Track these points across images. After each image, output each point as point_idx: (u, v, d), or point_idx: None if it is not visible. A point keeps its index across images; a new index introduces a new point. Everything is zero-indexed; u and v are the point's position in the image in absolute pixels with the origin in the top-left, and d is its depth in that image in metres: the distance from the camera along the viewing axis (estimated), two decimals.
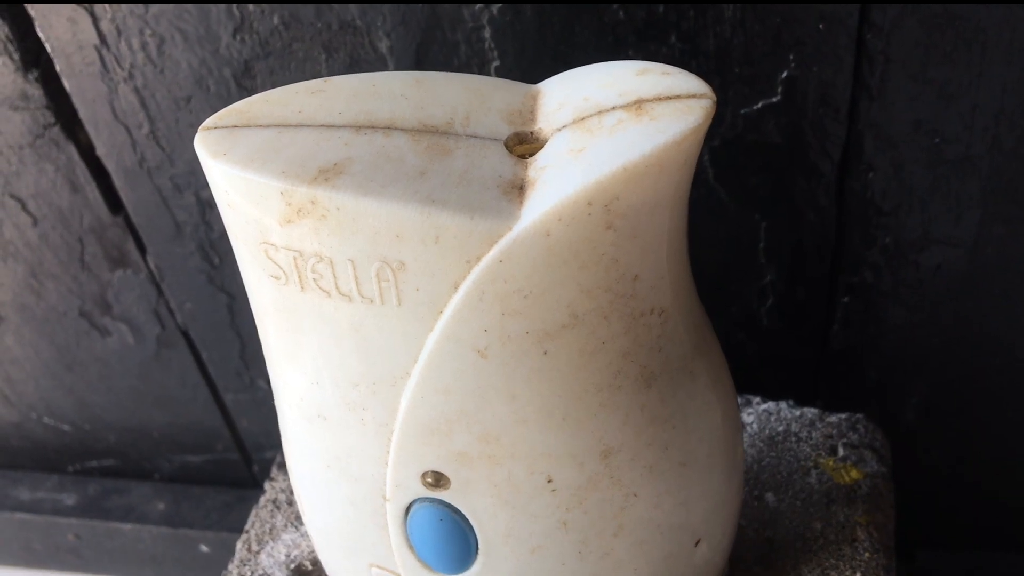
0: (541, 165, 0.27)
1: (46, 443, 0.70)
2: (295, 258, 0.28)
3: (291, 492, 0.46)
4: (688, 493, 0.33)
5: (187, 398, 0.64)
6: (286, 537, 0.44)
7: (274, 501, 0.46)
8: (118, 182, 0.52)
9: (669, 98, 0.27)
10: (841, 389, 0.53)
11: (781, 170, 0.45)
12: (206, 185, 0.50)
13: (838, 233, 0.47)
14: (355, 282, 0.27)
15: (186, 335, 0.60)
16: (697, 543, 0.34)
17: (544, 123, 0.28)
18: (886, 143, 0.43)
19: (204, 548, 0.68)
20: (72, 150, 0.51)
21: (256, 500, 0.62)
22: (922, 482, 0.55)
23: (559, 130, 0.28)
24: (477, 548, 0.32)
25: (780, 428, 0.46)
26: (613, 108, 0.27)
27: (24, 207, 0.54)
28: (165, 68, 0.46)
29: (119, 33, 0.45)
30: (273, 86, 0.41)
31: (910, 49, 0.40)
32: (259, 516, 0.46)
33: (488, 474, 0.30)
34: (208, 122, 0.29)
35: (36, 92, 0.49)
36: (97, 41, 0.46)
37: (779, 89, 0.42)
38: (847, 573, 0.40)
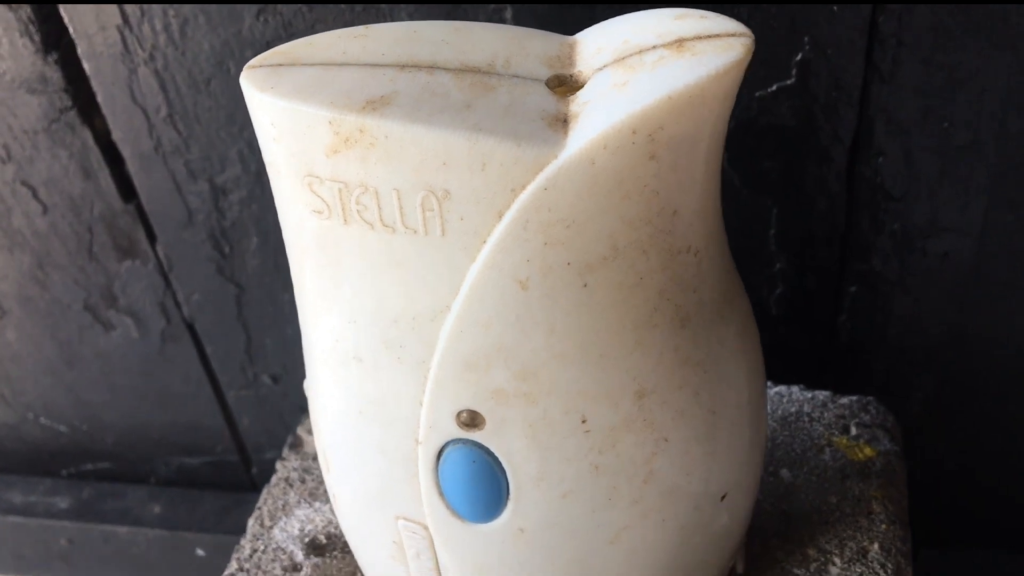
0: (583, 100, 0.28)
1: (41, 446, 0.69)
2: (340, 190, 0.28)
3: (304, 471, 0.46)
4: (716, 443, 0.33)
5: (189, 396, 0.63)
6: (300, 513, 0.44)
7: (287, 479, 0.46)
8: (132, 168, 0.52)
9: (709, 37, 0.27)
10: (848, 381, 0.53)
11: (793, 154, 0.46)
12: (221, 171, 0.51)
13: (847, 219, 0.48)
14: (399, 212, 0.28)
15: (191, 328, 0.60)
16: (723, 498, 0.35)
17: (583, 66, 0.29)
18: (896, 128, 0.44)
19: (200, 552, 0.67)
20: (87, 135, 0.51)
21: (254, 503, 0.62)
22: (927, 477, 0.55)
23: (599, 70, 0.28)
24: (508, 493, 0.32)
25: (792, 409, 0.46)
26: (654, 47, 0.28)
27: (35, 195, 0.54)
28: (187, 50, 0.47)
29: (143, 14, 0.46)
30: None
31: (922, 33, 0.41)
32: (271, 493, 0.45)
33: (523, 413, 0.30)
34: (253, 62, 0.29)
35: (55, 75, 0.49)
36: (120, 21, 0.46)
37: (793, 72, 0.43)
38: (865, 543, 0.40)
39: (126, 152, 0.52)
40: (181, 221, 0.54)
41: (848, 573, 0.39)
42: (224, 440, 0.66)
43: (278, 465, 0.47)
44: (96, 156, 0.52)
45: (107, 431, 0.67)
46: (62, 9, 0.47)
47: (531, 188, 0.27)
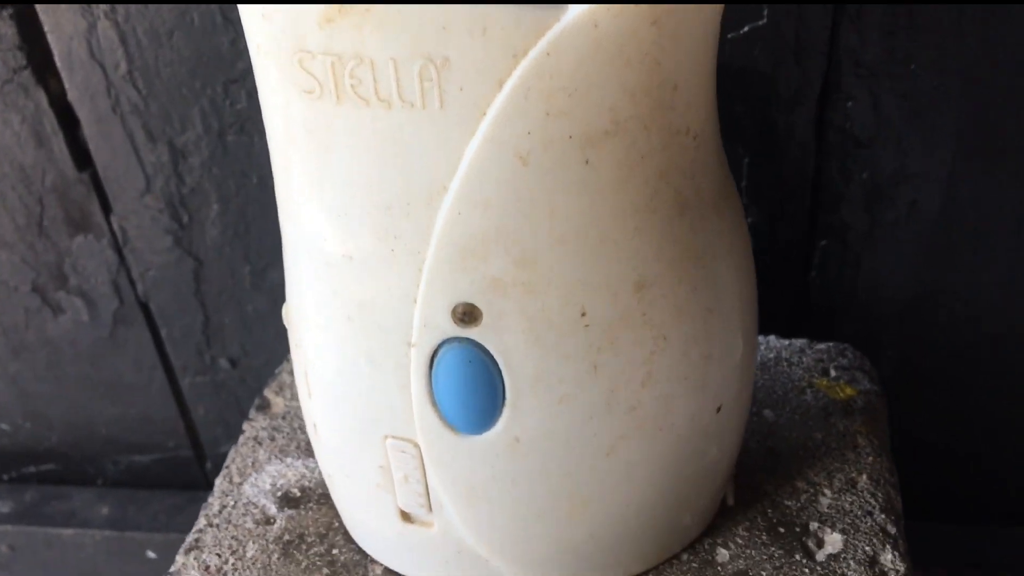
0: None
1: None
2: (332, 64, 0.27)
3: (273, 430, 0.45)
4: (712, 345, 0.32)
5: (140, 385, 0.61)
6: (271, 468, 0.42)
7: (255, 438, 0.44)
8: (88, 131, 0.51)
9: None
10: (819, 339, 0.53)
11: (765, 100, 0.46)
12: (181, 132, 0.49)
13: (817, 168, 0.48)
14: (396, 84, 0.27)
15: (146, 309, 0.57)
16: (719, 409, 0.34)
17: None
18: (865, 71, 0.45)
19: (151, 554, 0.64)
20: (41, 96, 0.50)
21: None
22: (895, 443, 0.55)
23: None
24: (503, 399, 0.31)
25: (771, 355, 0.46)
26: None
27: None
28: None
29: None
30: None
31: None
32: (239, 452, 0.43)
33: (522, 305, 0.29)
34: None
35: (9, 31, 0.48)
36: None
37: (764, 12, 0.44)
38: (853, 475, 0.40)
39: (82, 114, 0.50)
40: (138, 189, 0.52)
41: (839, 503, 0.39)
42: (177, 434, 0.63)
43: (245, 426, 0.45)
44: (50, 120, 0.50)
45: (51, 429, 0.64)
46: None
47: (533, 53, 0.26)
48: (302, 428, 0.44)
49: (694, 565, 0.37)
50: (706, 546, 0.38)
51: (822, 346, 0.46)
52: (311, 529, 0.40)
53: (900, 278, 0.51)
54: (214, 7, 0.46)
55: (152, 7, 0.46)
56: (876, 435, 0.42)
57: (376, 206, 0.29)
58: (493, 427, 0.32)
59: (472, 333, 0.30)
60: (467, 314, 0.30)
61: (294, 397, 0.46)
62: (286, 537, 0.39)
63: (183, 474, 0.66)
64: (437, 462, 0.33)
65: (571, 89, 0.27)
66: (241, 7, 0.28)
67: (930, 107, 0.45)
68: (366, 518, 0.37)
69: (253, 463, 0.43)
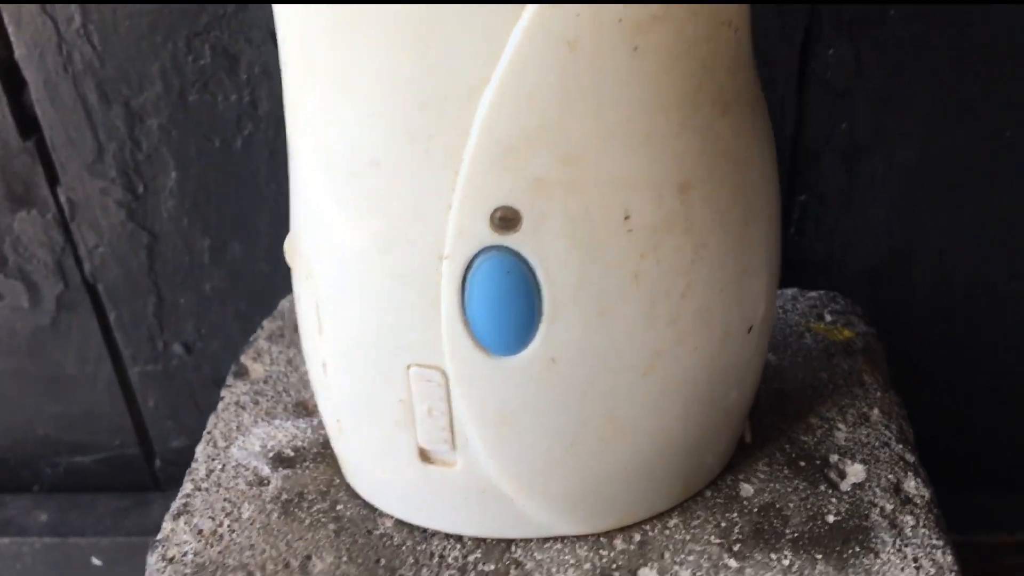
0: None
1: None
2: None
3: (256, 394, 0.42)
4: (747, 258, 0.31)
5: (85, 377, 0.57)
6: (258, 431, 0.40)
7: (237, 403, 0.41)
8: (35, 93, 0.47)
9: None
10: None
11: None
12: (138, 92, 0.47)
13: (797, 122, 0.48)
14: None
15: (92, 291, 0.54)
16: (749, 330, 0.33)
17: None
18: (845, 20, 0.45)
19: (96, 561, 0.60)
20: None
21: (157, 502, 0.57)
22: None
23: None
24: (540, 315, 0.29)
25: None
26: None
27: None
28: None
29: None
30: None
31: None
32: (221, 418, 0.41)
33: (564, 207, 0.28)
34: None
35: None
36: None
37: None
38: (864, 409, 0.39)
39: (29, 75, 0.47)
40: (89, 156, 0.49)
41: (855, 435, 0.38)
42: (123, 431, 0.60)
43: (224, 392, 0.42)
44: None
45: None
46: None
47: None
48: (287, 391, 0.42)
49: (719, 501, 0.36)
50: (728, 482, 0.37)
51: (813, 294, 0.46)
52: (310, 487, 0.37)
53: (876, 233, 0.51)
54: None
55: None
56: (879, 372, 0.41)
57: (409, 104, 0.27)
58: (528, 346, 0.30)
59: (510, 240, 0.28)
60: (506, 219, 0.28)
61: (274, 362, 0.44)
62: (284, 496, 0.37)
63: (130, 474, 0.62)
64: (466, 389, 0.31)
65: None
66: None
67: (908, 60, 0.45)
68: (378, 465, 0.34)
69: (238, 427, 0.40)
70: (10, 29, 0.46)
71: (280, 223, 0.51)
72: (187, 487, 0.38)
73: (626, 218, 0.29)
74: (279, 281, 0.53)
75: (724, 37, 0.28)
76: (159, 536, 0.36)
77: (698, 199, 0.29)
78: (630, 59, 0.27)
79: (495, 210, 0.28)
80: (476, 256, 0.29)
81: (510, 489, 0.33)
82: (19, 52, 0.46)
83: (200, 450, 0.39)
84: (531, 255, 0.29)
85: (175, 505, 0.37)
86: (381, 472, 0.35)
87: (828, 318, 0.44)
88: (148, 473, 0.62)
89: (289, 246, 0.34)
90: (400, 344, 0.31)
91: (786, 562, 0.33)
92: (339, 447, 0.36)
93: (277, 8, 0.29)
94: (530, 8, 0.26)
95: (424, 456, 0.33)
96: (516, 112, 0.27)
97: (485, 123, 0.27)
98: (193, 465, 0.39)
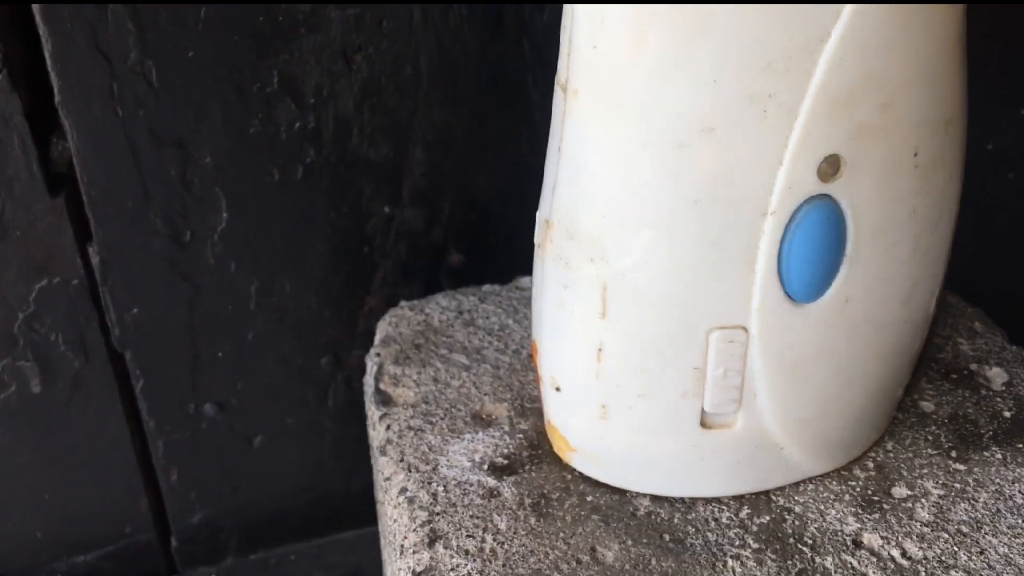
0: None
1: None
2: None
3: (424, 415, 0.40)
4: (953, 202, 0.35)
5: (96, 459, 0.52)
6: (455, 448, 0.38)
7: (410, 427, 0.40)
8: (76, 141, 0.43)
9: None
10: None
11: None
12: (194, 129, 0.44)
13: None
14: None
15: (119, 361, 0.49)
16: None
17: None
18: None
19: None
20: (15, 105, 0.42)
21: None
22: None
23: None
24: (844, 255, 0.32)
25: None
26: None
27: None
28: None
29: None
30: None
31: None
32: (398, 445, 0.39)
33: (877, 151, 0.30)
34: None
35: None
36: None
37: None
38: (968, 324, 0.44)
39: (71, 121, 0.42)
40: (134, 205, 0.45)
41: (976, 345, 0.43)
42: (137, 515, 0.54)
43: (384, 420, 0.40)
44: (21, 136, 0.42)
45: None
46: None
47: None
48: (454, 406, 0.41)
49: (913, 420, 0.40)
50: (908, 405, 0.40)
51: None
52: (548, 487, 0.37)
53: None
54: None
55: None
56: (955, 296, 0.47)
57: (754, 65, 0.29)
58: (829, 289, 0.32)
59: (830, 189, 0.31)
60: (832, 166, 0.30)
61: (420, 384, 0.42)
62: (528, 501, 0.36)
63: (139, 564, 0.56)
64: (767, 343, 0.32)
65: None
66: None
67: None
68: (650, 443, 0.35)
69: (430, 448, 0.39)
70: (53, 74, 0.41)
71: (336, 254, 0.49)
72: (420, 516, 0.36)
73: (915, 155, 0.32)
74: (328, 315, 0.51)
75: None
76: (419, 568, 0.34)
77: (954, 133, 0.33)
78: (935, 12, 0.30)
79: (824, 159, 0.30)
80: (799, 209, 0.31)
81: (784, 439, 0.35)
82: (60, 97, 0.42)
83: (399, 481, 0.37)
84: (845, 200, 0.31)
85: (419, 535, 0.35)
86: (652, 450, 0.35)
87: None
88: (162, 557, 0.56)
89: (550, 234, 0.33)
90: (706, 310, 0.32)
91: (1000, 455, 0.38)
92: (595, 434, 0.36)
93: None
94: None
95: (704, 423, 0.34)
96: (852, 65, 0.29)
97: (824, 77, 0.29)
98: (403, 495, 0.37)
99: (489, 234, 0.51)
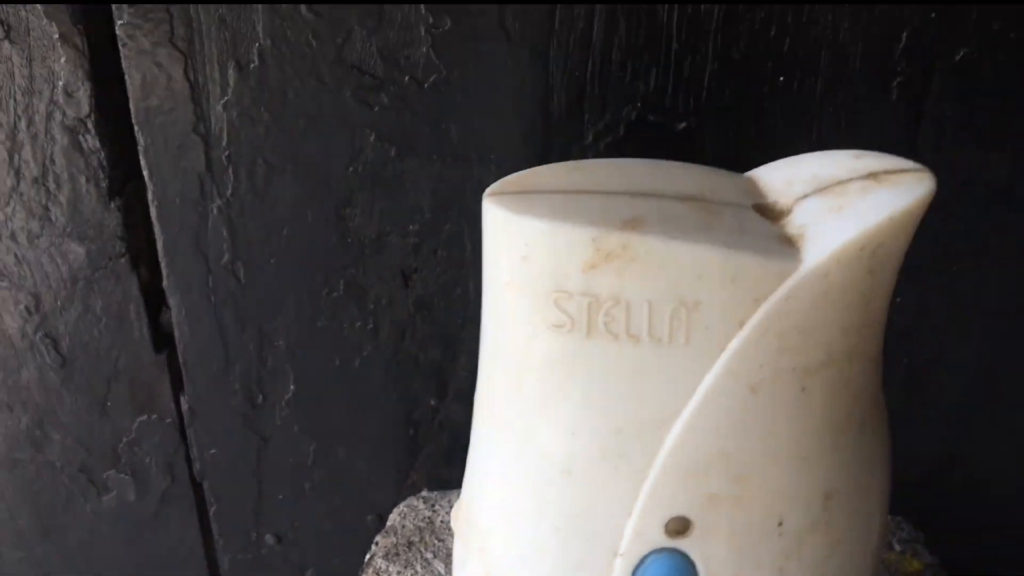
0: (799, 223, 0.31)
1: None
2: (589, 304, 0.30)
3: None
4: (872, 543, 0.36)
5: (175, 565, 0.60)
6: None
7: None
8: (176, 316, 0.52)
9: (897, 171, 0.32)
10: None
11: None
12: (272, 318, 0.51)
13: None
14: (647, 323, 0.30)
15: (198, 488, 0.57)
16: None
17: (777, 197, 0.33)
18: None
19: None
20: (133, 283, 0.51)
21: None
22: None
23: (800, 199, 0.32)
24: None
25: None
26: (851, 179, 0.32)
27: (56, 347, 0.52)
28: (266, 197, 0.48)
29: (229, 160, 0.47)
30: (373, 217, 0.45)
31: None
32: None
33: (730, 518, 0.32)
34: (492, 189, 0.32)
35: (113, 222, 0.49)
36: (204, 168, 0.47)
37: None
38: None
39: (174, 300, 0.51)
40: (217, 370, 0.53)
41: None
42: None
43: None
44: (137, 305, 0.51)
45: None
46: (141, 154, 0.47)
47: (774, 298, 0.30)
48: None
49: None
50: None
51: None
52: None
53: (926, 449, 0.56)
54: (329, 206, 0.48)
55: (267, 205, 0.48)
56: None
57: (607, 428, 0.32)
58: None
59: (680, 543, 0.33)
60: (680, 526, 0.33)
61: None
62: None
63: None
64: None
65: (801, 328, 0.31)
66: (498, 247, 0.31)
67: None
68: None
69: None
70: (163, 263, 0.50)
71: (387, 430, 0.55)
72: None
73: (779, 524, 0.33)
74: (375, 481, 0.57)
75: (867, 369, 0.33)
76: None
77: (838, 504, 0.34)
78: (799, 397, 0.32)
79: (671, 519, 0.33)
80: (647, 556, 0.33)
81: None
82: (167, 282, 0.51)
83: None
84: (697, 556, 0.33)
85: None
86: None
87: (897, 547, 0.49)
88: None
89: (459, 515, 0.38)
90: None
91: None
92: None
93: (491, 333, 0.33)
94: (723, 358, 0.31)
95: None
96: (701, 442, 0.32)
97: (672, 449, 0.32)
98: None
99: None
